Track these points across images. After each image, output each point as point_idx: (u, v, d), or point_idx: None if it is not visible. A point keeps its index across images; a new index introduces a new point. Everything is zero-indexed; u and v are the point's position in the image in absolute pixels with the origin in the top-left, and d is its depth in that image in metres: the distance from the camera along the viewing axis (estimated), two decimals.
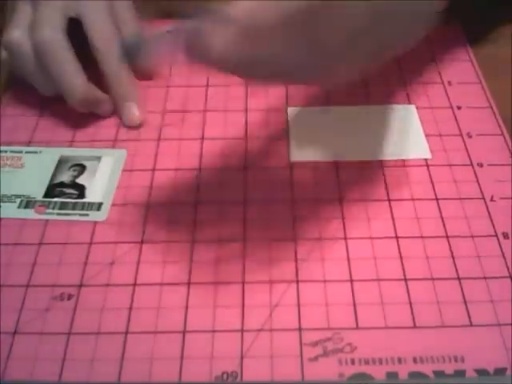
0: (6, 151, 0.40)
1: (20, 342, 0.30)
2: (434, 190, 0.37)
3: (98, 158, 0.39)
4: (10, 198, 0.37)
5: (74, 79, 0.38)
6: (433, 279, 0.32)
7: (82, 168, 0.38)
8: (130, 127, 0.41)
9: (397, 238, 0.34)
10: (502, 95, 0.43)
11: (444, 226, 0.35)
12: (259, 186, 0.37)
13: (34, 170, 0.38)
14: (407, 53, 0.31)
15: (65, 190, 0.37)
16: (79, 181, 0.38)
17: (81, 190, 0.37)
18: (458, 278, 0.32)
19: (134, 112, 0.41)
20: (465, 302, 0.31)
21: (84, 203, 0.36)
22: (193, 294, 0.32)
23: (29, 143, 0.40)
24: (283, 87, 0.44)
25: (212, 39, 0.24)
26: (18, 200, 0.37)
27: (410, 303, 0.31)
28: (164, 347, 0.30)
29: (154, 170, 0.38)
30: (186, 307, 0.31)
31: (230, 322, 0.31)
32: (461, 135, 0.40)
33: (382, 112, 0.42)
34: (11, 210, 0.36)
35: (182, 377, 0.29)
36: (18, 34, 0.39)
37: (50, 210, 0.36)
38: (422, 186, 0.37)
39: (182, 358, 0.29)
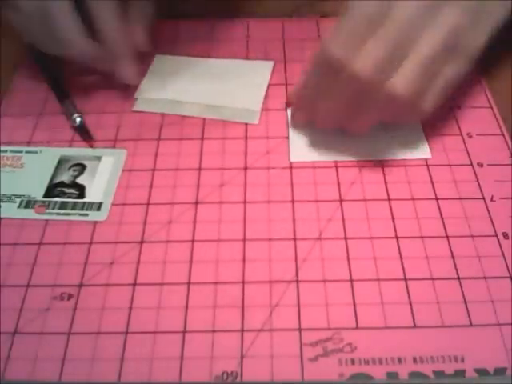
0: (6, 151, 0.40)
1: (20, 342, 0.30)
2: (434, 190, 0.37)
3: (98, 158, 0.39)
4: (10, 198, 0.37)
5: (71, 31, 0.38)
6: (433, 279, 0.32)
7: (82, 168, 0.38)
8: (129, 85, 0.42)
9: (397, 238, 0.34)
10: (502, 95, 0.43)
11: (444, 226, 0.35)
12: (259, 186, 0.37)
13: (34, 170, 0.38)
14: None
15: (65, 189, 0.37)
16: (79, 181, 0.38)
17: (81, 190, 0.37)
18: (458, 278, 0.32)
19: (132, 68, 0.41)
20: (465, 302, 0.31)
21: (84, 203, 0.36)
22: (193, 294, 0.32)
23: (29, 143, 0.40)
24: (283, 87, 0.44)
25: None
26: (18, 200, 0.37)
27: (410, 303, 0.31)
28: (164, 347, 0.30)
29: (154, 170, 0.38)
30: (186, 307, 0.31)
31: (230, 321, 0.31)
32: (461, 135, 0.40)
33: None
34: (11, 210, 0.36)
35: (182, 377, 0.29)
36: None
37: (50, 210, 0.36)
38: (422, 186, 0.37)
39: (182, 358, 0.29)
